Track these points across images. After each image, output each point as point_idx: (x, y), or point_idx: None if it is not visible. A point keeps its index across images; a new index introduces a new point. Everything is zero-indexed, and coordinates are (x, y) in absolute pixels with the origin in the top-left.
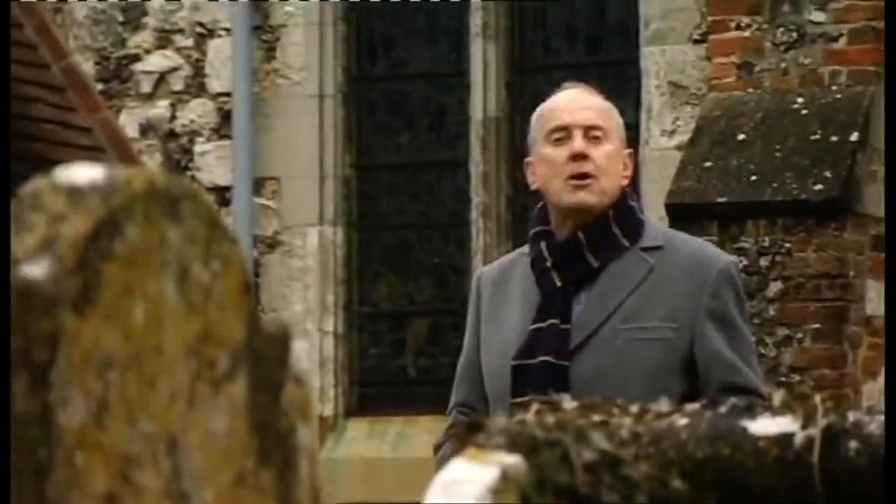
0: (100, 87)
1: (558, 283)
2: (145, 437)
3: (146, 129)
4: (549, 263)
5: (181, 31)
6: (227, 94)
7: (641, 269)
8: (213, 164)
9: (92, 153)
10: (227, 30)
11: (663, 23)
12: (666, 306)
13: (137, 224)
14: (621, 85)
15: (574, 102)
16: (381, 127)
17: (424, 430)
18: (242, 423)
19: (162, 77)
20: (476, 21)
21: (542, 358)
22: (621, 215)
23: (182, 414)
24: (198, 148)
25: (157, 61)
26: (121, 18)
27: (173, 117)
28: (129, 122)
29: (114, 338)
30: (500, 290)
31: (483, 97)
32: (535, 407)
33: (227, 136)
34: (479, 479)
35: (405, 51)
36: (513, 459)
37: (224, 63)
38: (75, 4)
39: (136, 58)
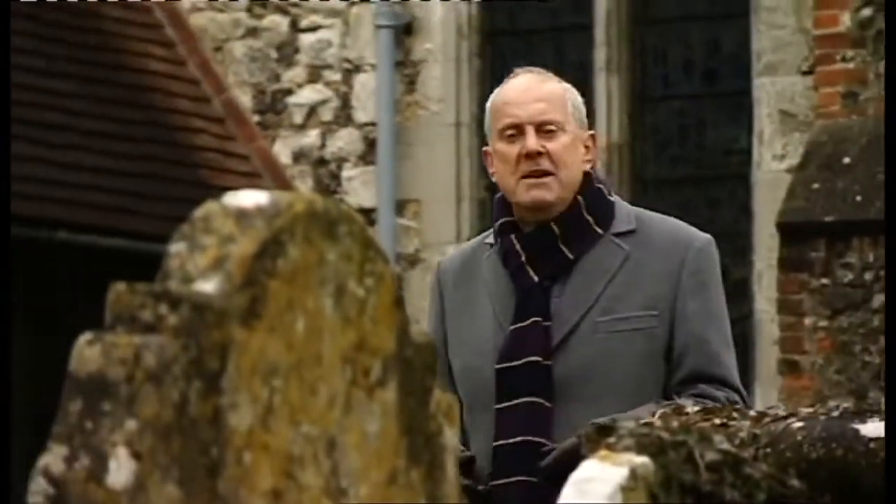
0: (256, 118)
1: (535, 279)
2: (307, 438)
3: (298, 156)
4: (523, 258)
5: (330, 66)
6: (372, 124)
7: (617, 258)
8: (359, 188)
9: (250, 179)
10: (372, 65)
11: (774, 56)
12: (644, 293)
13: (299, 244)
14: (735, 113)
15: (526, 95)
16: None
17: None
18: (394, 425)
19: (313, 109)
20: (600, 56)
21: (528, 358)
22: (592, 201)
23: (339, 417)
24: (345, 173)
25: (309, 94)
26: (275, 56)
27: (323, 145)
28: (282, 151)
29: (278, 348)
30: (466, 284)
31: (607, 125)
32: (659, 411)
33: (372, 162)
34: (610, 478)
35: None
36: (641, 460)
37: (369, 96)
38: (234, 43)
39: (289, 91)
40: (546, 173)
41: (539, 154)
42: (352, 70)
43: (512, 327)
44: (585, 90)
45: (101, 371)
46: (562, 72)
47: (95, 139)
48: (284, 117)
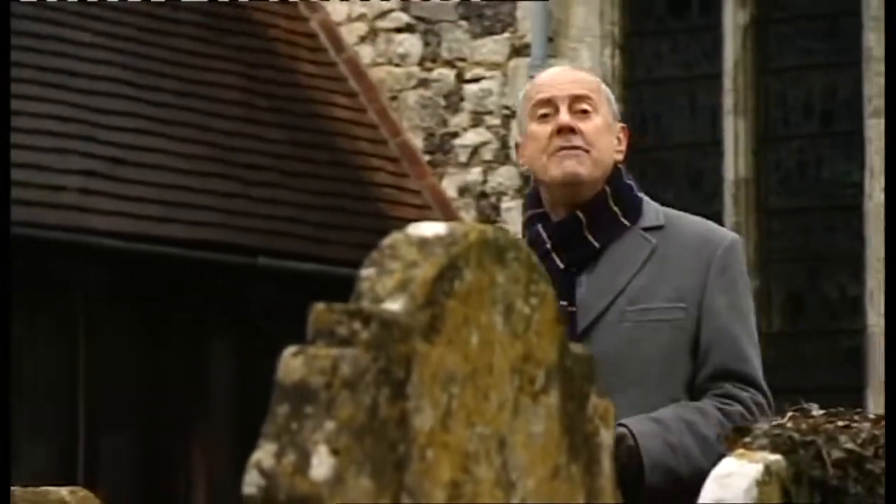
0: (427, 158)
1: (561, 265)
2: (480, 437)
3: (463, 190)
4: (548, 245)
5: (491, 112)
6: None
7: (644, 250)
8: (516, 219)
9: (421, 211)
10: None
11: (880, 101)
12: (672, 286)
13: (473, 269)
14: (849, 150)
15: (559, 77)
16: (651, 188)
17: None
18: (556, 426)
19: (476, 150)
20: (728, 101)
21: None
22: (619, 193)
23: (509, 420)
24: (504, 205)
25: (472, 137)
26: (443, 104)
27: (484, 181)
28: (449, 186)
29: (455, 359)
30: None
31: (734, 162)
32: (789, 413)
33: None
34: (747, 473)
35: (669, 125)
36: (774, 457)
37: None
38: (408, 93)
39: (455, 134)
40: (579, 148)
41: (572, 130)
42: (510, 115)
43: None
44: (715, 132)
45: (304, 379)
46: (694, 114)
47: (291, 177)
48: (451, 157)
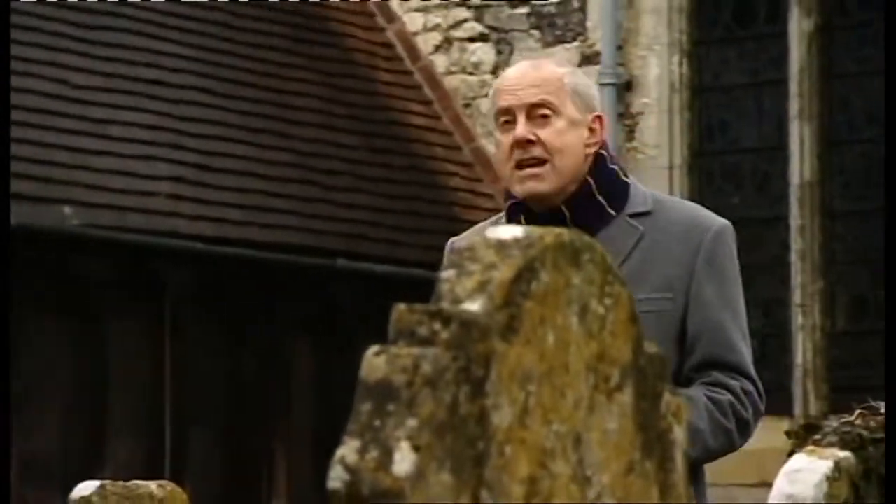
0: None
1: None
2: (557, 434)
3: None
4: None
5: None
6: None
7: (631, 238)
8: None
9: (494, 214)
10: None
11: None
12: (659, 275)
13: (549, 271)
14: None
15: (518, 81)
16: (718, 190)
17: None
18: (630, 424)
19: None
20: (794, 106)
21: None
22: (603, 181)
23: (584, 417)
24: None
25: None
26: None
27: None
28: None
29: (532, 358)
30: None
31: (800, 165)
32: (857, 411)
33: None
34: (817, 469)
35: (737, 130)
36: (844, 454)
37: None
38: (481, 100)
39: None
40: (538, 162)
41: (530, 142)
42: None
43: None
44: (781, 136)
45: (387, 378)
46: (760, 120)
47: (368, 182)
48: None
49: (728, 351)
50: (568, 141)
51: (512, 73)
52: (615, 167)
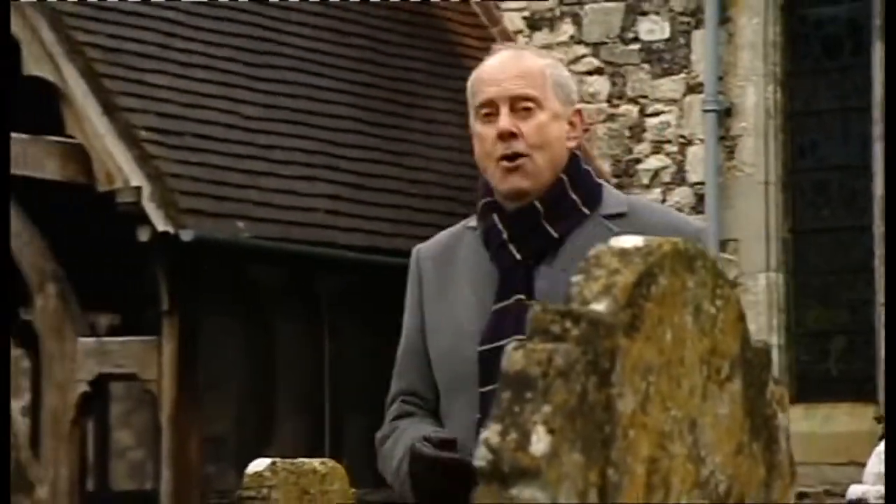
0: (614, 181)
1: (518, 257)
2: (674, 419)
3: None
4: (505, 236)
5: (669, 141)
6: (701, 183)
7: (606, 238)
8: None
9: None
10: (701, 140)
11: None
12: None
13: (667, 275)
14: None
15: (500, 72)
16: (810, 204)
17: (843, 414)
18: (739, 410)
19: (656, 173)
20: (877, 129)
21: (513, 338)
22: (578, 180)
23: (698, 404)
24: None
25: (653, 162)
26: (628, 134)
27: (664, 200)
28: None
29: (652, 353)
30: (446, 269)
31: (883, 181)
32: None
33: (701, 212)
34: None
35: (825, 150)
36: None
37: (699, 162)
38: (598, 126)
39: (638, 160)
40: (520, 155)
41: (512, 135)
42: (685, 143)
43: (494, 307)
44: (865, 155)
45: (524, 370)
46: (846, 141)
47: None
48: (635, 179)
49: None
50: (550, 135)
51: (494, 64)
52: (589, 168)
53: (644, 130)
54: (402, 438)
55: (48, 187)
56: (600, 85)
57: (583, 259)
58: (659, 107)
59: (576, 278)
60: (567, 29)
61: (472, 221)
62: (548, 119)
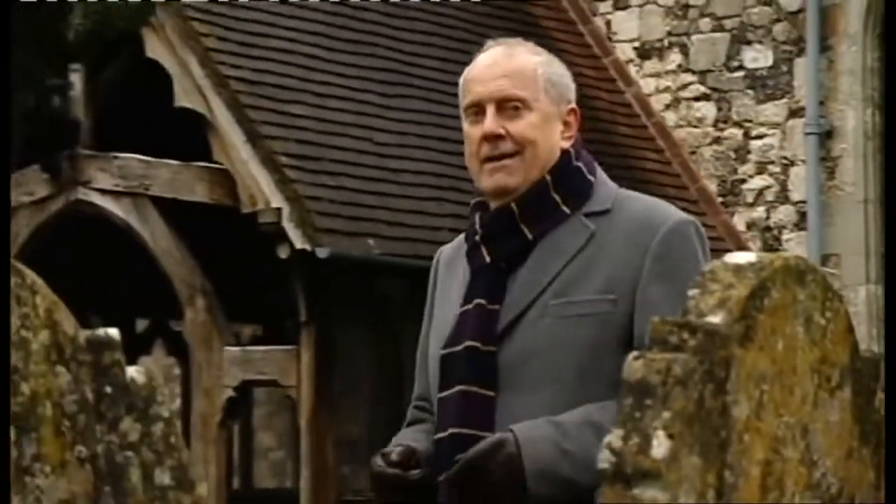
0: (720, 199)
1: (488, 259)
2: (787, 425)
3: (750, 225)
4: (478, 237)
5: (772, 162)
6: (803, 202)
7: (581, 237)
8: (795, 247)
9: (716, 242)
10: (803, 160)
11: None
12: (603, 277)
13: (779, 289)
14: None
15: (489, 71)
16: None
17: None
18: (849, 416)
19: (760, 192)
20: None
21: (466, 343)
22: (562, 179)
23: (810, 411)
24: (784, 237)
25: (757, 182)
26: (733, 156)
27: (767, 217)
28: (739, 222)
29: (765, 362)
30: (450, 272)
31: None
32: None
33: (804, 229)
34: None
35: None
36: None
37: (801, 182)
38: (705, 148)
39: (743, 181)
40: (506, 156)
41: (499, 137)
42: (788, 164)
43: (458, 311)
44: None
45: (644, 378)
46: None
47: None
48: (740, 198)
49: None
50: (541, 134)
51: (483, 62)
52: (580, 164)
53: (749, 152)
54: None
55: (197, 209)
56: (707, 110)
57: (554, 259)
58: (763, 130)
59: (692, 292)
60: (675, 58)
61: None
62: (537, 119)
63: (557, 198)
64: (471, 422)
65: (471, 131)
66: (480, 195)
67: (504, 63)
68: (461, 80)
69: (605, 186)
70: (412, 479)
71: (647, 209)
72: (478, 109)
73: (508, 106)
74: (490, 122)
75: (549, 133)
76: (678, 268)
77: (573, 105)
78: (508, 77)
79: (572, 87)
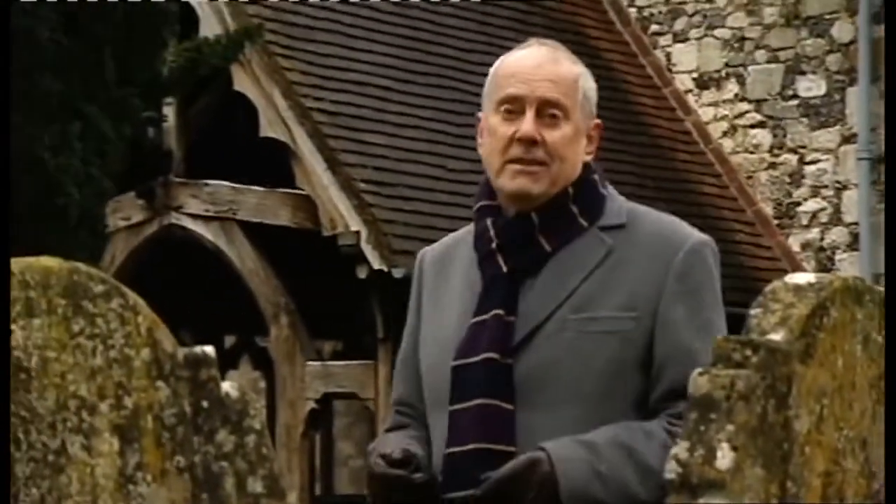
0: (776, 222)
1: (504, 269)
2: (846, 438)
3: (805, 246)
4: (494, 245)
5: (826, 186)
6: (856, 224)
7: (598, 252)
8: (848, 267)
9: (772, 262)
10: (855, 184)
11: None
12: (624, 293)
13: (838, 308)
14: None
15: (536, 71)
16: None
17: None
18: None
19: (814, 215)
20: None
21: (484, 355)
22: (583, 192)
23: (868, 424)
24: (837, 257)
25: (811, 205)
26: (788, 181)
27: (822, 239)
28: (794, 243)
29: (825, 378)
30: (443, 275)
31: None
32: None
33: (856, 249)
34: None
35: None
36: None
37: (853, 204)
38: (761, 173)
39: (798, 204)
40: (538, 163)
41: (534, 142)
42: (840, 188)
43: (472, 320)
44: None
45: (709, 393)
46: None
47: None
48: (795, 221)
49: None
50: (571, 149)
51: (527, 60)
52: (595, 177)
53: (803, 177)
54: (374, 453)
55: (282, 233)
56: (763, 137)
57: (572, 273)
58: (817, 156)
59: (754, 311)
60: (732, 88)
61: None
62: (571, 132)
63: (576, 210)
64: (492, 437)
65: (501, 128)
66: (487, 198)
67: (549, 66)
68: (492, 71)
69: (615, 200)
70: (417, 481)
71: (665, 226)
72: (514, 107)
73: (547, 112)
74: (530, 124)
75: (578, 148)
76: (700, 289)
77: (598, 121)
78: (554, 82)
79: (596, 101)
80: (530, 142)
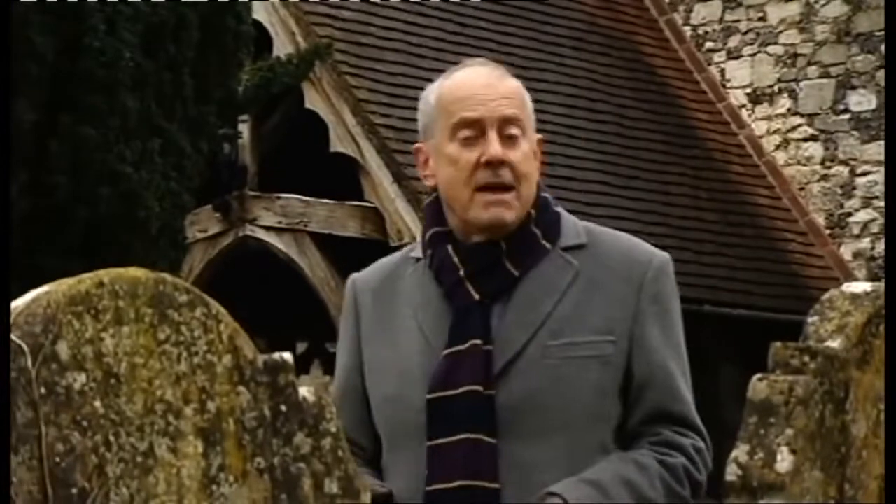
0: (828, 231)
1: (476, 297)
2: None
3: (856, 255)
4: (462, 273)
5: (876, 197)
6: None
7: (566, 274)
8: None
9: (824, 271)
10: None
11: None
12: (599, 316)
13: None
14: None
15: (488, 90)
16: None
17: None
18: None
19: (865, 225)
20: None
21: (467, 387)
22: (541, 213)
23: None
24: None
25: (862, 216)
26: (840, 192)
27: (873, 248)
28: (846, 252)
29: (881, 384)
30: (386, 303)
31: None
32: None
33: None
34: None
35: None
36: None
37: None
38: (813, 185)
39: (849, 214)
40: (506, 187)
41: (502, 163)
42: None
43: (447, 351)
44: None
45: (768, 398)
46: None
47: (726, 248)
48: (846, 231)
49: (675, 401)
50: (531, 166)
51: (475, 80)
52: (546, 194)
53: (854, 188)
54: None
55: (351, 243)
56: (815, 150)
57: (543, 297)
58: (867, 168)
59: (811, 319)
60: (785, 102)
61: (414, 251)
62: (528, 149)
63: (538, 232)
64: (479, 472)
65: (464, 155)
66: (438, 224)
67: (498, 84)
68: (432, 98)
69: (568, 218)
70: None
71: (624, 244)
72: (473, 132)
73: (507, 132)
74: (496, 145)
75: (535, 165)
76: (670, 308)
77: (540, 136)
78: (509, 98)
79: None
80: (498, 163)
